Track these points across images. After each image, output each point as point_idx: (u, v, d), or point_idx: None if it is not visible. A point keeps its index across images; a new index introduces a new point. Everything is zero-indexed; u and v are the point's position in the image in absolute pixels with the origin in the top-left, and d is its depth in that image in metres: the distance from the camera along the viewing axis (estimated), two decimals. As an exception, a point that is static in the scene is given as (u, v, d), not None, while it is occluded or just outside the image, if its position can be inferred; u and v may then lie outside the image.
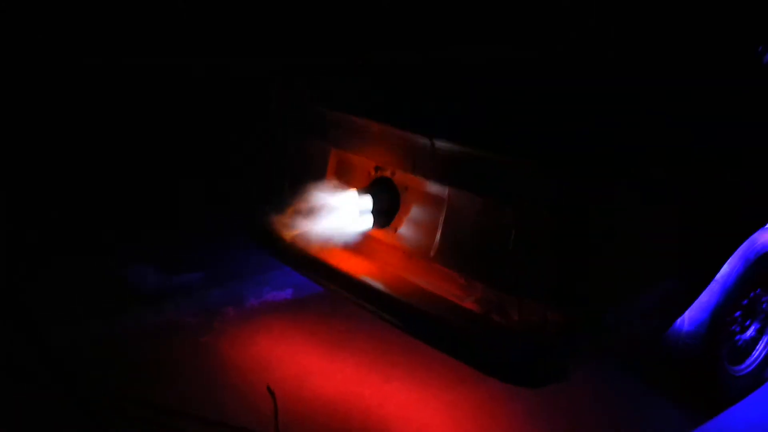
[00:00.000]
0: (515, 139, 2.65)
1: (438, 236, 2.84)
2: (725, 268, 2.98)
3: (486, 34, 4.38)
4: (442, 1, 5.31)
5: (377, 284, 2.99)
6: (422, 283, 2.90)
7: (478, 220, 2.69)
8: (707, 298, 2.97)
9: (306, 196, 3.22)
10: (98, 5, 5.00)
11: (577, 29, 4.02)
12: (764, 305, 3.32)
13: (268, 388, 3.13)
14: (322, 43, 5.49)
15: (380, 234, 3.10)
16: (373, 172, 3.16)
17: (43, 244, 4.39)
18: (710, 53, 3.42)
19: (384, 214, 3.05)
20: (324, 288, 3.44)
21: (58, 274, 4.14)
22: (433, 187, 2.88)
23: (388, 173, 3.09)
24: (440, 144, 2.74)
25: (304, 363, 3.54)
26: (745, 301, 3.21)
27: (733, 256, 2.98)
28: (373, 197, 3.06)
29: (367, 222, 3.08)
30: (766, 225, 3.10)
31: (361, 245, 3.15)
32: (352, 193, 3.08)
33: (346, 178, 3.27)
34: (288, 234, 3.32)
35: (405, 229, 3.01)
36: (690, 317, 2.99)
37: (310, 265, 3.26)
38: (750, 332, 3.31)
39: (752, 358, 3.36)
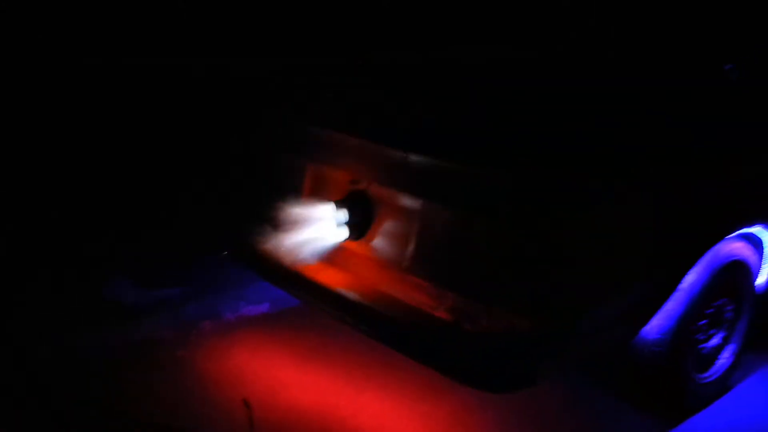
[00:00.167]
0: (482, 150, 2.75)
1: (411, 247, 2.91)
2: (690, 278, 3.05)
3: (486, 34, 4.46)
4: (442, 1, 5.39)
5: (352, 295, 3.05)
6: (395, 293, 2.96)
7: (449, 230, 2.77)
8: (673, 306, 3.04)
9: (282, 209, 3.28)
10: (98, 5, 5.02)
11: (578, 29, 4.14)
12: (728, 314, 3.40)
13: (244, 401, 3.17)
14: (322, 43, 5.53)
15: (355, 246, 3.16)
16: (348, 185, 3.22)
17: (21, 259, 4.40)
18: (694, 57, 3.56)
19: (358, 227, 3.12)
20: (300, 300, 3.51)
21: (35, 288, 4.16)
22: (407, 200, 2.94)
23: (363, 186, 3.16)
24: (413, 157, 2.83)
25: (280, 375, 3.59)
26: (710, 310, 3.28)
27: (697, 265, 3.05)
28: (348, 210, 3.12)
29: (342, 234, 3.15)
30: (729, 236, 3.18)
31: (336, 257, 3.21)
32: (327, 206, 3.14)
33: (321, 192, 3.33)
34: (264, 248, 3.38)
35: (379, 241, 3.07)
36: (656, 325, 3.05)
37: (287, 278, 3.32)
38: (715, 341, 3.39)
39: (717, 366, 3.43)
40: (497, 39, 4.40)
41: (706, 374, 3.40)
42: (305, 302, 3.47)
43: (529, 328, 2.59)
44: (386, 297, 2.97)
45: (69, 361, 3.58)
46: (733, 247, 3.25)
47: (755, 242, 3.44)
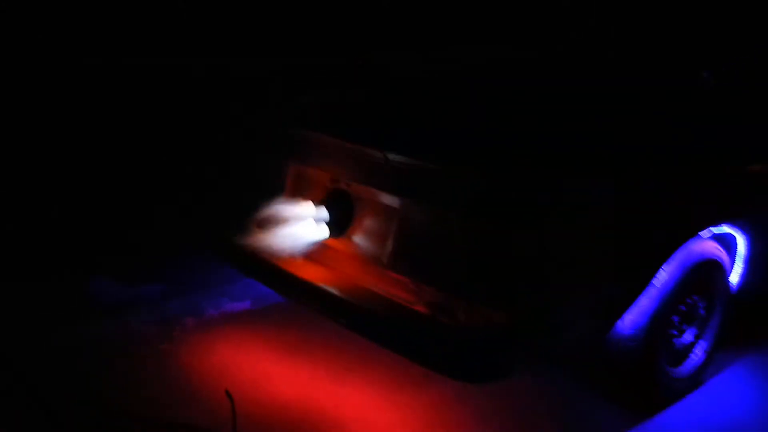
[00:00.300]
0: (458, 150, 2.83)
1: (390, 244, 2.99)
2: (663, 275, 3.13)
3: (485, 35, 4.52)
4: (442, 1, 5.44)
5: (333, 290, 3.11)
6: (375, 288, 3.04)
7: (427, 228, 2.85)
8: (646, 303, 3.12)
9: (265, 208, 3.35)
10: (98, 5, 5.05)
11: (578, 29, 4.22)
12: (701, 311, 3.48)
13: (226, 392, 3.22)
14: (322, 43, 5.57)
15: (336, 243, 3.24)
16: (329, 185, 3.29)
17: (5, 256, 4.44)
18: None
19: (339, 224, 3.20)
20: (283, 296, 3.57)
21: (17, 287, 4.20)
22: (386, 198, 3.02)
23: (343, 185, 3.23)
24: (392, 156, 2.90)
25: (262, 369, 3.64)
26: (683, 307, 3.36)
27: (670, 263, 3.13)
28: (328, 208, 3.20)
29: (323, 232, 3.22)
30: (701, 234, 3.27)
31: (318, 254, 3.29)
32: (309, 205, 3.22)
33: (303, 191, 3.40)
34: (248, 246, 3.44)
35: (359, 238, 3.15)
36: (630, 321, 3.13)
37: (270, 275, 3.39)
38: (688, 337, 3.47)
39: (690, 362, 3.51)
40: (497, 39, 4.46)
41: (679, 369, 3.47)
42: (288, 298, 3.54)
43: (504, 322, 2.67)
44: (366, 292, 3.04)
45: (54, 359, 3.61)
46: (705, 246, 3.33)
47: (728, 243, 3.54)
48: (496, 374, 2.73)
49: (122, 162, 5.13)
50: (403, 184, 2.90)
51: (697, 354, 3.53)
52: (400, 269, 2.95)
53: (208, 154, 4.69)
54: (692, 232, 3.22)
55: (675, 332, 3.40)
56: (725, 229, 3.45)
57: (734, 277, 3.64)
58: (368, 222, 3.12)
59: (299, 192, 3.41)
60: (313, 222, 3.21)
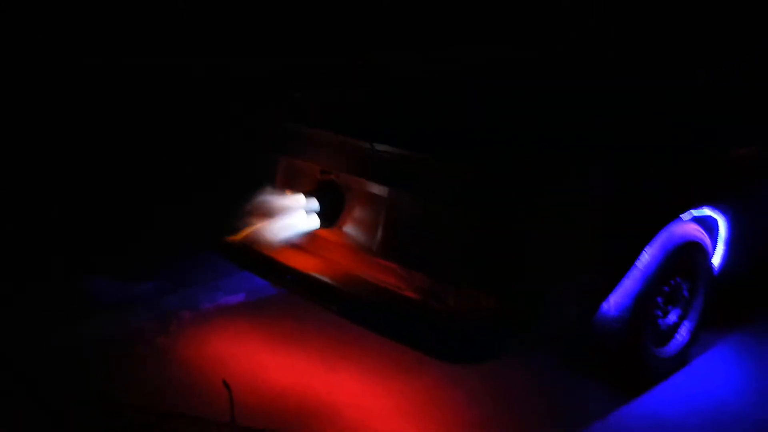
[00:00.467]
0: (444, 140, 2.92)
1: (380, 232, 3.07)
2: (646, 257, 3.22)
3: (485, 34, 4.59)
4: (442, 1, 5.48)
5: (325, 279, 3.20)
6: (366, 276, 3.12)
7: (415, 216, 2.94)
8: (630, 285, 3.21)
9: (258, 201, 3.43)
10: (98, 5, 5.09)
11: (578, 29, 4.30)
12: (684, 292, 3.57)
13: (224, 382, 3.27)
14: (322, 43, 5.61)
15: (327, 233, 3.32)
16: (319, 176, 3.37)
17: (4, 256, 4.51)
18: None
19: (330, 215, 3.28)
20: (277, 286, 3.65)
21: (20, 285, 4.26)
22: (375, 188, 3.11)
23: (333, 176, 3.31)
24: (380, 147, 2.98)
25: (258, 359, 3.72)
26: (666, 288, 3.45)
27: (652, 246, 3.22)
28: (319, 200, 3.28)
29: (315, 222, 3.30)
30: (682, 217, 3.36)
31: (310, 244, 3.37)
32: (300, 197, 3.30)
33: (293, 183, 3.48)
34: (241, 239, 3.52)
35: (350, 227, 3.23)
36: (615, 303, 3.22)
37: (264, 266, 3.47)
38: (672, 318, 3.56)
39: (675, 341, 3.59)
40: (496, 39, 4.53)
41: (664, 350, 3.56)
42: (281, 288, 3.62)
43: (493, 305, 2.75)
44: (357, 279, 3.13)
45: (54, 358, 3.66)
46: (687, 228, 3.41)
47: (709, 225, 3.62)
48: (485, 356, 2.81)
49: (116, 160, 5.18)
50: (390, 173, 2.99)
51: (682, 334, 3.62)
52: (389, 256, 3.03)
53: (201, 152, 4.74)
54: (673, 215, 3.31)
55: (659, 313, 3.48)
56: (706, 212, 3.53)
57: (716, 259, 3.73)
58: (358, 211, 3.20)
59: (291, 184, 3.49)
60: (305, 213, 3.28)
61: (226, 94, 5.04)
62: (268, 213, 3.38)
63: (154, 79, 5.24)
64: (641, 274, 3.23)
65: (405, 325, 2.89)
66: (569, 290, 3.01)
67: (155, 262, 4.72)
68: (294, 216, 3.31)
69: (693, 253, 3.50)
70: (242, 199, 3.52)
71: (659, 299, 3.43)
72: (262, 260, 3.43)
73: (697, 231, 3.48)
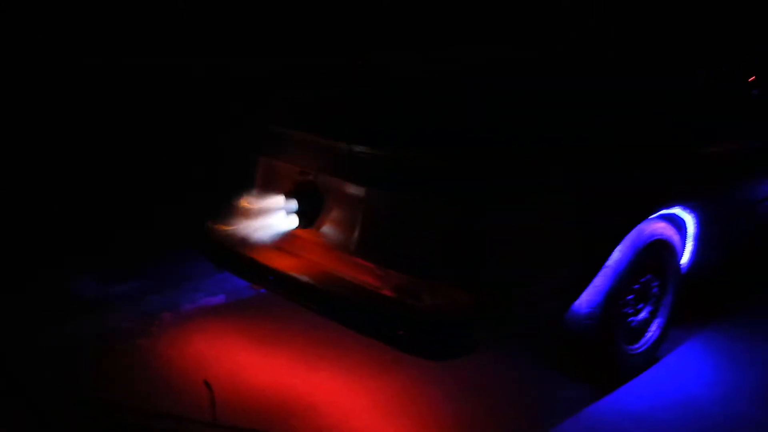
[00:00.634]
0: (418, 138, 2.99)
1: (357, 232, 3.13)
2: (617, 255, 3.30)
3: (485, 34, 4.64)
4: (442, 1, 5.52)
5: (304, 278, 3.25)
6: (344, 275, 3.17)
7: (391, 215, 2.99)
8: (601, 282, 3.28)
9: (237, 202, 3.49)
10: (98, 5, 5.10)
11: (578, 29, 4.37)
12: (655, 290, 3.66)
13: (205, 382, 3.34)
14: (322, 43, 5.64)
15: (306, 233, 3.37)
16: (298, 177, 3.43)
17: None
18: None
19: (308, 215, 3.33)
20: (256, 286, 3.71)
21: (4, 287, 4.30)
22: (352, 188, 3.17)
23: (311, 177, 3.37)
24: (355, 147, 3.05)
25: (238, 359, 3.77)
26: (637, 286, 3.53)
27: (623, 243, 3.30)
28: (298, 200, 3.34)
29: (293, 223, 3.36)
30: (650, 217, 3.44)
31: (289, 244, 3.42)
32: (279, 198, 3.36)
33: (273, 184, 3.53)
34: (221, 239, 3.58)
35: (328, 228, 3.29)
36: (587, 300, 3.29)
37: (243, 266, 3.53)
38: (643, 314, 3.64)
39: (646, 339, 3.68)
40: (495, 39, 4.59)
41: (635, 346, 3.64)
42: (261, 288, 3.67)
43: (467, 302, 2.82)
44: (335, 278, 3.18)
45: (40, 359, 3.70)
46: (656, 227, 3.50)
47: (678, 223, 3.70)
48: (460, 352, 2.88)
49: (99, 161, 5.20)
50: (366, 173, 3.05)
51: (653, 331, 3.70)
52: (366, 256, 3.09)
53: (186, 153, 4.77)
54: (644, 215, 3.39)
55: (630, 310, 3.56)
56: (676, 211, 3.61)
57: (685, 257, 3.82)
58: (336, 212, 3.26)
59: (270, 185, 3.53)
60: (284, 213, 3.34)
61: (222, 95, 5.07)
62: (248, 214, 3.43)
63: (153, 79, 5.25)
64: (612, 271, 3.31)
65: (382, 323, 2.95)
66: (542, 286, 3.09)
67: (137, 262, 4.77)
68: (273, 217, 3.36)
69: (662, 251, 3.59)
70: (223, 200, 3.59)
71: (630, 297, 3.51)
72: (241, 261, 3.49)
73: (666, 229, 3.56)
